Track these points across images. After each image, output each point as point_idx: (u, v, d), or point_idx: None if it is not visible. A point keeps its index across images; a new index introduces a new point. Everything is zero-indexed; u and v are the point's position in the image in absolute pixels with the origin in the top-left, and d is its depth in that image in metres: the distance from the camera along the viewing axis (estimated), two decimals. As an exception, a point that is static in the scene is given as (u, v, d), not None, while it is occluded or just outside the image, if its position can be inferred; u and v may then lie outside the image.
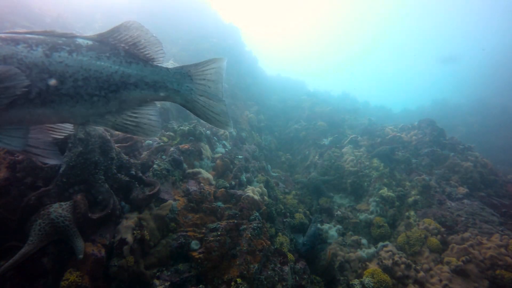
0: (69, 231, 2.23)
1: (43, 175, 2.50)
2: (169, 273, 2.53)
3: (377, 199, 5.11)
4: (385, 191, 5.20)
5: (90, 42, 1.32)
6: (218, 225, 2.92)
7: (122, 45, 1.40)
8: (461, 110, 17.97)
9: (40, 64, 1.16)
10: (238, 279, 2.52)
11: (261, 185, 4.50)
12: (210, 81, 1.57)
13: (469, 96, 23.44)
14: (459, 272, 3.60)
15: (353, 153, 6.75)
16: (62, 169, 2.55)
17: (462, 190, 5.15)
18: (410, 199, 5.05)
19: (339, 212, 5.11)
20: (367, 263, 4.02)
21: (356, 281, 3.67)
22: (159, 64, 1.50)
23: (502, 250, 3.65)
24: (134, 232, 2.61)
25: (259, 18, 74.48)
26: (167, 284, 2.39)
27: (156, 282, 2.41)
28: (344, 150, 7.02)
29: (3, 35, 1.17)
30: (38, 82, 1.16)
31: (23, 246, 2.08)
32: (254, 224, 3.10)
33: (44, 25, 5.84)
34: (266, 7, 75.57)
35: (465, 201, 4.87)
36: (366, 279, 3.62)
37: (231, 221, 3.06)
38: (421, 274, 3.70)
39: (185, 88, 1.52)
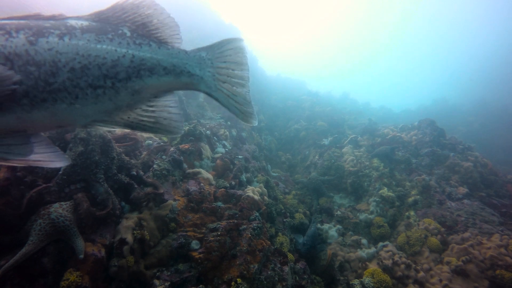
0: (70, 231, 2.24)
1: (43, 174, 2.51)
2: (169, 273, 2.53)
3: (377, 199, 5.11)
4: (385, 191, 5.20)
5: (85, 23, 1.09)
6: (218, 225, 2.92)
7: (128, 24, 1.16)
8: (461, 110, 17.97)
9: (23, 54, 0.93)
10: (238, 279, 2.52)
11: (261, 185, 4.50)
12: (232, 63, 1.36)
13: (469, 96, 23.44)
14: (459, 272, 3.60)
15: (353, 153, 6.75)
16: (62, 168, 2.55)
17: (462, 190, 5.15)
18: (410, 199, 5.05)
19: (339, 212, 5.11)
20: (367, 263, 4.02)
21: (356, 281, 3.67)
22: (172, 45, 1.25)
23: (502, 250, 3.65)
24: (134, 232, 2.62)
25: (259, 19, 74.51)
26: (167, 284, 2.40)
27: (156, 282, 2.41)
28: (344, 150, 7.02)
29: None
30: (24, 77, 0.92)
31: (23, 246, 2.08)
32: (254, 224, 3.10)
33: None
34: (266, 7, 75.63)
35: (465, 201, 4.87)
36: (366, 279, 3.62)
37: (231, 221, 3.06)
38: (421, 274, 3.70)
39: (208, 74, 1.29)
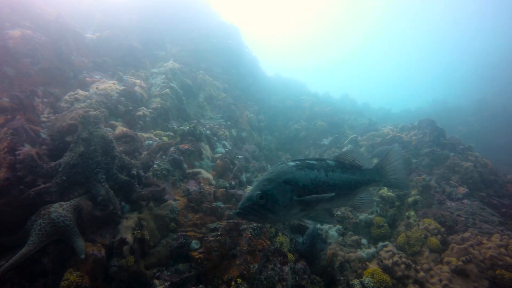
0: (70, 231, 2.23)
1: (43, 174, 2.50)
2: (169, 273, 2.53)
3: (377, 199, 5.11)
4: (385, 191, 5.20)
5: (333, 162, 2.17)
6: (218, 225, 2.92)
7: (346, 161, 2.26)
8: (461, 110, 17.96)
9: (326, 181, 1.99)
10: (238, 279, 2.52)
11: (261, 185, 4.49)
12: (394, 162, 2.44)
13: (469, 96, 23.44)
14: (459, 272, 3.60)
15: (353, 153, 6.74)
16: (61, 167, 2.55)
17: (462, 190, 5.14)
18: (410, 199, 5.04)
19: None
20: (367, 263, 4.02)
21: (356, 281, 3.67)
22: (364, 168, 2.34)
23: (502, 250, 3.64)
24: (134, 232, 2.62)
25: (259, 19, 74.45)
26: (167, 284, 2.39)
27: (156, 282, 2.41)
28: (344, 150, 7.01)
29: (298, 164, 1.96)
30: (322, 191, 1.95)
31: (23, 246, 2.08)
32: (254, 224, 3.10)
33: (45, 25, 5.84)
34: (267, 7, 75.62)
35: (465, 201, 4.87)
36: (366, 279, 3.62)
37: (231, 221, 3.06)
38: (421, 274, 3.70)
39: (382, 176, 2.41)
